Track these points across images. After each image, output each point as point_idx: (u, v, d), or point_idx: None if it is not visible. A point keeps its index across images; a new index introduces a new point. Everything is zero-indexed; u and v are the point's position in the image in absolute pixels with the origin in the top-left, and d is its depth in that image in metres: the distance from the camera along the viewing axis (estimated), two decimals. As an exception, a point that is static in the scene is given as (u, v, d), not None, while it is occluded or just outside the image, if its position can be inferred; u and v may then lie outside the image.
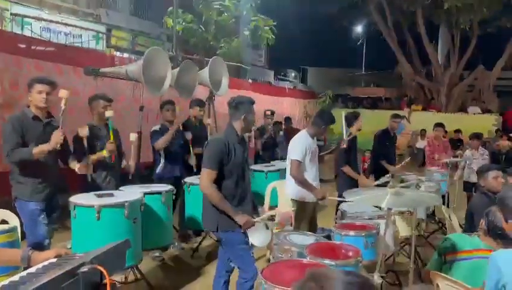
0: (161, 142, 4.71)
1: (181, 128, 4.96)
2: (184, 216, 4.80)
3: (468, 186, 6.59)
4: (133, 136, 4.14)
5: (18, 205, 3.26)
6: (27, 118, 3.22)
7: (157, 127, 4.86)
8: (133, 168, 4.17)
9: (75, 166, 3.49)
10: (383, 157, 5.83)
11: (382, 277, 2.95)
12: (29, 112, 3.26)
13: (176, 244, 4.85)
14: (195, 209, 4.37)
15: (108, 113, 3.86)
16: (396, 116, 6.23)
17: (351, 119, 5.10)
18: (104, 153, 3.76)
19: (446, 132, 7.63)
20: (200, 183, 2.89)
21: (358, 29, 25.01)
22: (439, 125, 6.92)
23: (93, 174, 3.82)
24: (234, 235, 2.88)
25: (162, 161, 4.82)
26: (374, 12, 17.57)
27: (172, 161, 4.88)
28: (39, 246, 3.09)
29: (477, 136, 6.92)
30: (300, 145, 3.93)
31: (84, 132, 3.66)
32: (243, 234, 2.87)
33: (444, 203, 5.58)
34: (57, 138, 3.18)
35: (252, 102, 3.10)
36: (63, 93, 3.33)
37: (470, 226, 3.57)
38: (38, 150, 3.15)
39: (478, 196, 3.90)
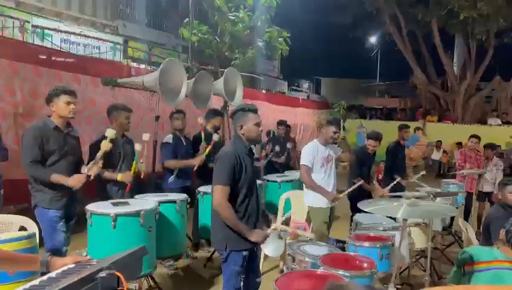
0: (172, 165, 4.77)
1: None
2: (197, 225, 4.82)
3: (481, 196, 6.49)
4: (146, 136, 4.14)
5: (38, 212, 3.31)
6: (48, 128, 3.26)
7: (169, 139, 4.86)
8: (143, 168, 4.15)
9: (84, 169, 3.47)
10: (396, 171, 5.79)
11: (397, 289, 2.92)
12: (50, 122, 3.29)
13: (189, 253, 4.86)
14: (208, 219, 4.37)
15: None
16: (405, 126, 6.19)
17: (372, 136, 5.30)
18: (119, 178, 3.78)
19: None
20: (214, 201, 2.72)
21: (373, 39, 25.02)
22: (475, 136, 6.72)
23: (109, 182, 3.87)
24: (238, 256, 2.76)
25: (174, 171, 4.85)
26: (389, 23, 17.52)
27: (183, 171, 4.91)
28: (57, 253, 3.13)
29: (490, 146, 6.79)
30: (307, 151, 4.17)
31: (106, 146, 3.57)
32: (244, 257, 2.77)
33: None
34: (79, 181, 3.24)
35: (251, 109, 2.87)
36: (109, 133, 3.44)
37: (485, 238, 3.51)
38: (56, 179, 3.20)
39: (495, 208, 3.86)
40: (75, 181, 3.23)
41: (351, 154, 5.07)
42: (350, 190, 4.40)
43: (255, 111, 2.88)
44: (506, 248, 2.47)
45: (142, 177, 4.25)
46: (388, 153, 6.04)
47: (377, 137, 5.35)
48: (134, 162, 3.91)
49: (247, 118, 2.84)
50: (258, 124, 2.87)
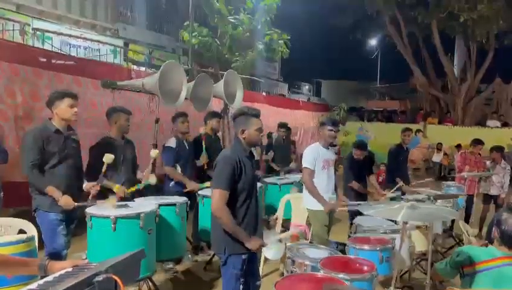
0: (170, 173, 4.75)
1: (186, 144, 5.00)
2: (197, 228, 4.81)
3: (487, 199, 6.45)
4: (154, 153, 4.21)
5: (38, 216, 3.30)
6: (49, 131, 3.25)
7: (172, 144, 4.83)
8: (154, 181, 4.15)
9: (86, 186, 3.55)
10: (398, 173, 5.77)
11: (398, 292, 2.90)
12: (50, 125, 3.29)
13: (189, 256, 4.85)
14: (209, 222, 4.36)
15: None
16: (407, 129, 6.17)
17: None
18: (115, 189, 3.75)
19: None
20: (212, 205, 2.70)
21: (373, 41, 25.07)
22: (479, 142, 6.65)
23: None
24: (237, 259, 2.75)
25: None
26: (389, 25, 17.55)
27: (185, 174, 4.89)
28: (57, 256, 3.13)
29: (498, 148, 6.73)
30: (309, 153, 4.12)
31: (108, 159, 3.63)
32: (244, 260, 2.75)
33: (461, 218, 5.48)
34: (67, 204, 3.24)
35: (253, 114, 2.85)
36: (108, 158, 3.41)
37: (490, 240, 3.49)
38: (50, 191, 3.21)
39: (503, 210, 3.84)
40: (64, 202, 3.24)
41: (344, 161, 5.09)
42: (352, 205, 4.40)
43: (257, 116, 2.86)
44: (502, 247, 2.45)
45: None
46: (390, 156, 6.03)
47: (360, 146, 5.42)
48: (136, 185, 3.90)
49: (250, 123, 2.82)
50: (259, 130, 2.86)
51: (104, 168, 3.59)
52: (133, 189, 3.89)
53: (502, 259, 2.42)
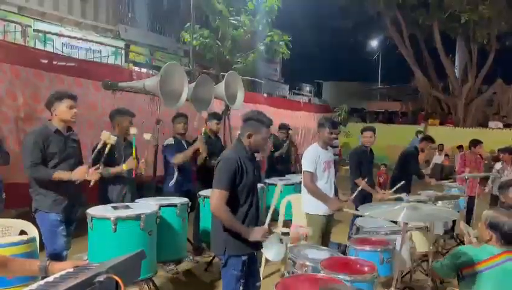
0: (181, 157, 4.74)
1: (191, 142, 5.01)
2: (198, 229, 4.81)
3: (494, 200, 6.43)
4: (148, 136, 4.20)
5: (38, 217, 3.30)
6: (49, 132, 3.26)
7: (170, 141, 4.88)
8: (146, 169, 4.14)
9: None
10: (412, 175, 5.75)
11: (398, 293, 2.89)
12: (51, 126, 3.30)
13: (190, 257, 4.85)
14: (210, 223, 4.36)
15: (133, 130, 3.88)
16: (431, 140, 6.02)
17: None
18: (125, 167, 3.79)
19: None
20: (211, 205, 2.71)
21: (374, 43, 25.08)
22: (480, 142, 6.67)
23: (110, 186, 3.87)
24: (237, 261, 2.75)
25: (175, 175, 4.85)
26: (390, 26, 17.56)
27: (185, 175, 4.92)
28: (57, 257, 3.13)
29: (507, 150, 6.65)
30: (310, 156, 3.99)
31: (111, 139, 3.56)
32: (244, 262, 2.76)
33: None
34: (81, 174, 3.21)
35: (265, 123, 2.83)
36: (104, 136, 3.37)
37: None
38: (58, 176, 3.19)
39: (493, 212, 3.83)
40: (77, 174, 3.21)
41: (349, 157, 5.01)
42: (353, 196, 4.32)
43: (268, 126, 2.86)
44: (503, 247, 2.44)
45: (142, 173, 4.13)
46: (409, 158, 5.89)
47: (370, 128, 5.40)
48: (133, 148, 3.88)
49: (259, 131, 2.81)
50: (266, 139, 2.88)
51: (106, 150, 3.52)
52: (133, 154, 3.88)
53: (502, 255, 2.41)
